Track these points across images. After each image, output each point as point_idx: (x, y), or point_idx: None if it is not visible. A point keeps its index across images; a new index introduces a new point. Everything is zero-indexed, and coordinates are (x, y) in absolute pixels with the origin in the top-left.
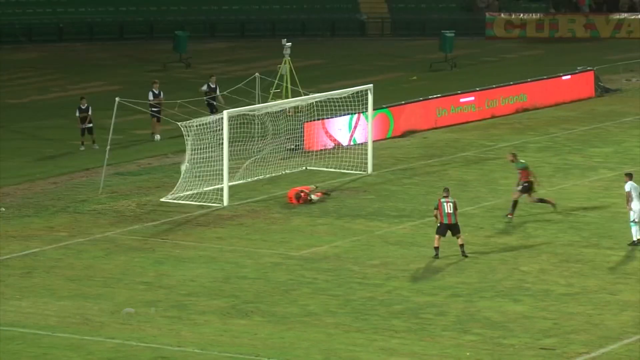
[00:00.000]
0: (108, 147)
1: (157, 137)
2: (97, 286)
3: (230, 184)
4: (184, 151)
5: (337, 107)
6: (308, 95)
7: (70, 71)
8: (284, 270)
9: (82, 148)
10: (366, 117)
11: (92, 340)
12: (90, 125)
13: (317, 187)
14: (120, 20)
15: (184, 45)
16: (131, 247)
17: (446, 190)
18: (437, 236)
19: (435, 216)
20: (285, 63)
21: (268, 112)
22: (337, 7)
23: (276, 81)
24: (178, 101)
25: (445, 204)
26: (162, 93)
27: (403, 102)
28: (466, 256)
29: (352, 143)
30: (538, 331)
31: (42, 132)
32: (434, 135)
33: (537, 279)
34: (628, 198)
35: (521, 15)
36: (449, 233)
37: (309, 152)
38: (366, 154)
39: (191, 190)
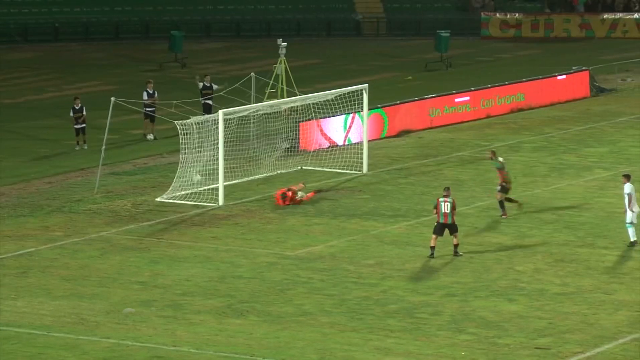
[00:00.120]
0: (103, 146)
1: (151, 136)
2: (93, 286)
3: (226, 183)
4: (185, 154)
5: (332, 107)
6: (303, 95)
7: (66, 71)
8: (279, 270)
9: (77, 148)
10: (361, 117)
11: (88, 339)
12: (83, 125)
13: (305, 186)
14: (116, 20)
15: (179, 45)
16: (126, 247)
17: (446, 189)
18: (433, 236)
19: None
20: (280, 63)
21: (264, 112)
22: (332, 7)
23: (271, 81)
24: (174, 102)
25: (443, 203)
26: (156, 93)
27: (398, 102)
28: (459, 255)
29: (346, 143)
30: (533, 331)
31: (38, 132)
32: (429, 135)
33: (532, 279)
34: (630, 200)
35: (516, 15)
36: (446, 232)
37: (304, 151)
38: (361, 154)
39: (186, 190)
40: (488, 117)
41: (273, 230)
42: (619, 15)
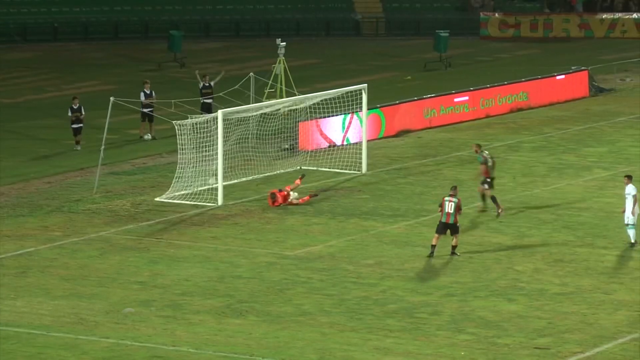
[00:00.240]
0: (103, 146)
1: (148, 136)
2: (92, 286)
3: (225, 183)
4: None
5: (331, 107)
6: (302, 95)
7: (65, 71)
8: (278, 270)
9: (78, 148)
10: (359, 117)
11: (87, 339)
12: (80, 125)
13: (302, 176)
14: (115, 20)
15: (178, 45)
16: (126, 247)
17: (453, 188)
18: (436, 235)
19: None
20: (279, 63)
21: (263, 112)
22: (331, 6)
23: (270, 81)
24: (172, 101)
25: (447, 202)
26: (153, 93)
27: (397, 102)
28: (456, 256)
29: (345, 143)
30: (532, 330)
31: (37, 131)
32: (428, 135)
33: (532, 279)
34: (636, 202)
35: (515, 15)
36: (449, 232)
37: (303, 151)
38: (360, 154)
39: (185, 189)
40: (487, 117)
41: (272, 230)
42: (618, 15)
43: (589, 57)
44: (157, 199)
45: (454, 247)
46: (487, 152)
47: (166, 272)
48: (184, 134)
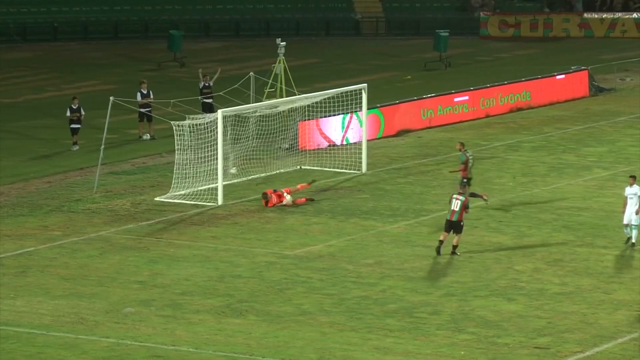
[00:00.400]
0: (102, 146)
1: (147, 136)
2: (92, 285)
3: (225, 183)
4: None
5: (331, 107)
6: (302, 95)
7: (65, 70)
8: (278, 270)
9: (76, 148)
10: (358, 117)
11: (87, 339)
12: (78, 125)
13: (312, 181)
14: (115, 20)
15: (178, 45)
16: (125, 246)
17: (462, 187)
18: (445, 232)
19: None
20: (279, 62)
21: (263, 112)
22: (331, 6)
23: (270, 80)
24: (170, 100)
25: (454, 200)
26: (150, 93)
27: (397, 101)
28: (456, 255)
29: (344, 142)
30: (532, 330)
31: (37, 131)
32: (428, 135)
33: (532, 278)
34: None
35: (515, 14)
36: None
37: (303, 151)
38: (360, 153)
39: (185, 189)
40: (487, 116)
41: (272, 230)
42: (618, 14)
43: (589, 56)
44: (156, 198)
45: (454, 247)
46: (470, 151)
47: (166, 272)
48: (182, 133)
